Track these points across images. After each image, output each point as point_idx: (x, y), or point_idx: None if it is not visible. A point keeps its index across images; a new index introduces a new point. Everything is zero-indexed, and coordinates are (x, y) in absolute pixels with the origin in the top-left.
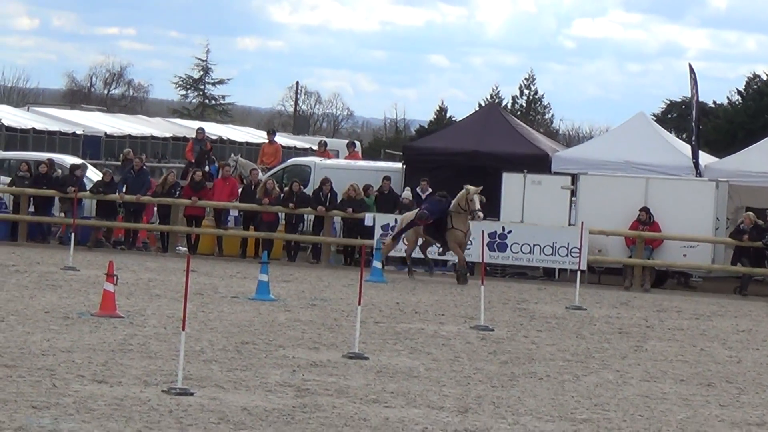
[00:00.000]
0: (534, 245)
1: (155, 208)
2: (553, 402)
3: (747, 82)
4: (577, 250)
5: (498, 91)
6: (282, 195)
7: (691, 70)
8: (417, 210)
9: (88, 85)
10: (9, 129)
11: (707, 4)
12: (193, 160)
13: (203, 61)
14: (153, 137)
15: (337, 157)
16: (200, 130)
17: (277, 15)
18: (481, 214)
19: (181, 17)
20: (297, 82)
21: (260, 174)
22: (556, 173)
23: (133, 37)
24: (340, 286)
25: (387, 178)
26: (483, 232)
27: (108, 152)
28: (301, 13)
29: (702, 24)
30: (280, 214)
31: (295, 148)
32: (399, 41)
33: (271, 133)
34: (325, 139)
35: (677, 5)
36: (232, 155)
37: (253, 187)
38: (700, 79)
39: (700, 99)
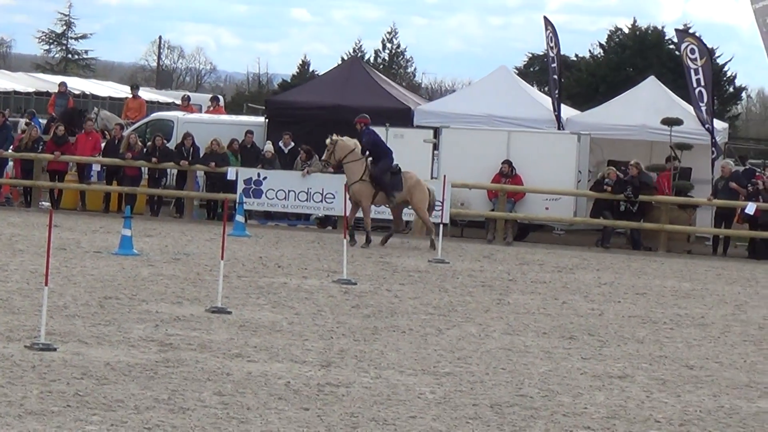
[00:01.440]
0: None
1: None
2: (415, 356)
3: (609, 35)
4: (440, 204)
5: (360, 45)
6: (145, 149)
7: (547, 23)
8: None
9: None
10: None
11: None
12: (55, 115)
13: (66, 15)
14: (16, 92)
15: (200, 111)
16: (62, 84)
17: None
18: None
19: None
20: (160, 37)
21: (124, 129)
22: (418, 127)
23: None
24: (203, 240)
25: (250, 132)
26: (346, 185)
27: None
28: None
29: None
30: (143, 168)
31: (158, 102)
32: None
33: (135, 88)
34: (188, 93)
35: None
36: (95, 109)
37: (116, 141)
38: (561, 33)
39: (562, 52)
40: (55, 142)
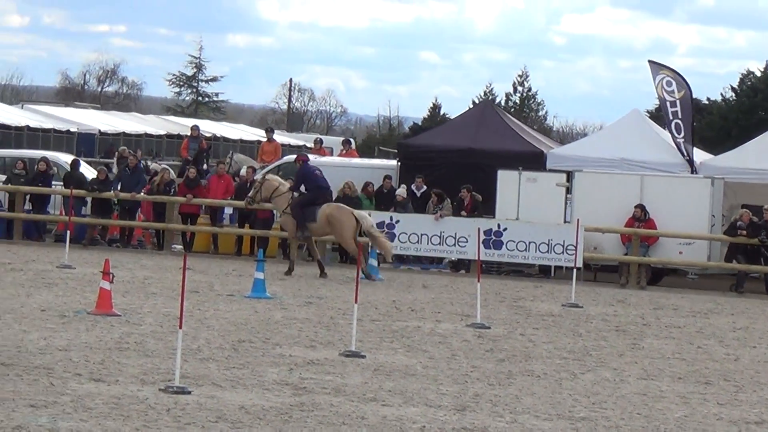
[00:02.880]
0: (530, 242)
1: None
2: (550, 400)
3: (741, 78)
4: (573, 248)
5: (491, 88)
6: None
7: (657, 67)
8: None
9: (82, 82)
10: (3, 126)
11: (694, 1)
12: (189, 158)
13: (196, 58)
14: (147, 135)
15: (332, 154)
16: (195, 128)
17: (267, 12)
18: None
19: (171, 14)
20: (290, 80)
21: (255, 172)
22: (551, 170)
23: (124, 34)
24: (336, 283)
25: (388, 177)
26: (479, 229)
27: (102, 150)
28: (291, 10)
29: (690, 20)
30: (275, 211)
31: (289, 145)
32: (389, 38)
33: (270, 131)
34: (320, 136)
35: (663, 1)
36: (230, 152)
37: (248, 184)
38: (690, 76)
39: (694, 96)
40: (188, 185)
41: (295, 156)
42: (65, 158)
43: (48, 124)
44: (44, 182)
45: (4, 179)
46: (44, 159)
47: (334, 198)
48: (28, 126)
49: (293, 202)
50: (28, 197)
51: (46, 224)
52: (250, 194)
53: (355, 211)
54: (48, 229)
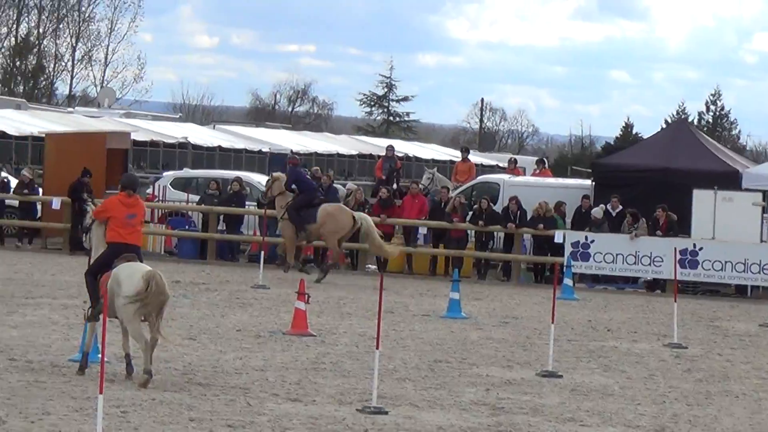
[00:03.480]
0: (725, 262)
1: None
2: (750, 421)
3: None
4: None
5: (684, 107)
6: (471, 212)
7: None
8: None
9: (273, 102)
10: (196, 147)
11: None
12: (383, 178)
13: (387, 78)
14: (339, 155)
15: (524, 174)
16: (390, 148)
17: (456, 31)
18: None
19: (360, 34)
20: (482, 99)
21: (450, 191)
22: (746, 190)
23: (313, 54)
24: (531, 303)
25: (586, 197)
26: (675, 249)
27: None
28: (481, 30)
29: None
30: (469, 231)
31: (481, 165)
32: (579, 57)
33: (465, 151)
34: (514, 156)
35: None
36: (427, 169)
37: (442, 204)
38: None
39: None
40: (381, 206)
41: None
42: (258, 178)
43: (240, 145)
44: (238, 203)
45: (197, 200)
46: (238, 179)
47: (528, 218)
48: (220, 146)
49: (290, 206)
50: (221, 217)
51: (239, 244)
52: (264, 190)
53: (356, 213)
54: (241, 249)
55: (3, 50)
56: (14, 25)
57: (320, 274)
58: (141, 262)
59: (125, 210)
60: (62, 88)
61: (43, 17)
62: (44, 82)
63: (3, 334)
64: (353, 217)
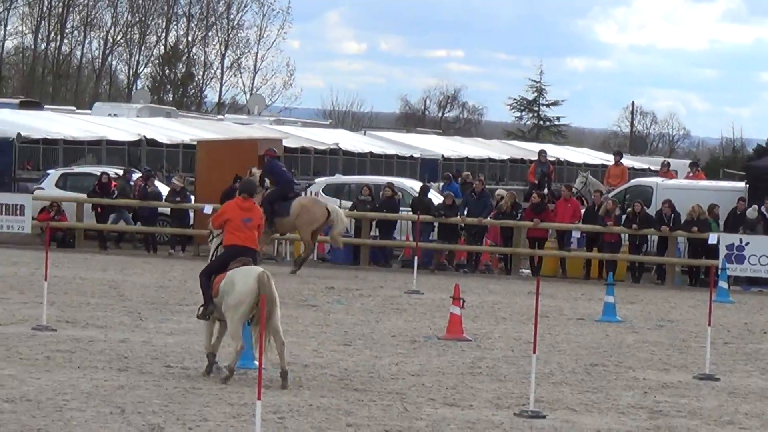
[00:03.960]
0: None
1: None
2: None
3: None
4: None
5: None
6: (625, 216)
7: None
8: None
9: (422, 108)
10: (346, 153)
11: None
12: (536, 182)
13: (537, 82)
14: (490, 159)
15: (677, 177)
16: (542, 152)
17: (605, 35)
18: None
19: (509, 39)
20: (633, 103)
21: (602, 195)
22: None
23: (462, 59)
24: (686, 306)
25: (742, 199)
26: None
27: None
28: (630, 33)
29: None
30: (623, 234)
31: (633, 168)
32: (729, 59)
33: (618, 155)
34: (667, 159)
35: None
36: (580, 173)
37: (596, 209)
38: None
39: None
40: (534, 210)
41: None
42: (410, 184)
43: (391, 150)
44: (390, 208)
45: (350, 206)
46: (390, 185)
47: (682, 221)
48: (371, 152)
49: (264, 198)
50: (374, 223)
51: (392, 250)
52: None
53: (329, 205)
54: (395, 254)
55: (152, 59)
56: (163, 34)
57: (294, 266)
58: (257, 265)
59: (242, 214)
60: (211, 96)
61: (192, 25)
62: (193, 90)
63: (159, 341)
64: (327, 209)
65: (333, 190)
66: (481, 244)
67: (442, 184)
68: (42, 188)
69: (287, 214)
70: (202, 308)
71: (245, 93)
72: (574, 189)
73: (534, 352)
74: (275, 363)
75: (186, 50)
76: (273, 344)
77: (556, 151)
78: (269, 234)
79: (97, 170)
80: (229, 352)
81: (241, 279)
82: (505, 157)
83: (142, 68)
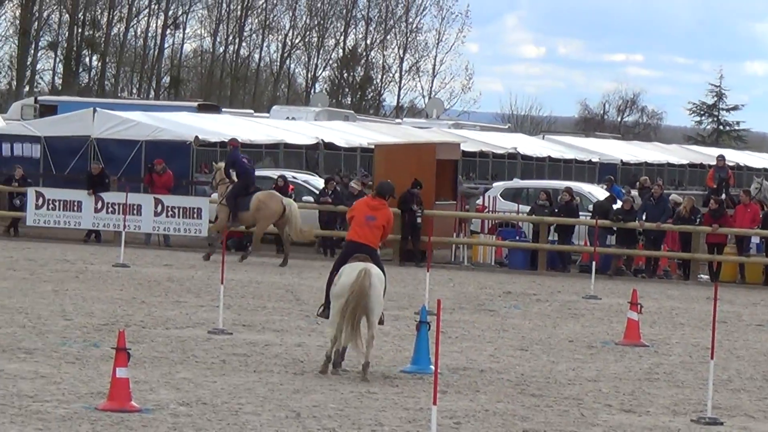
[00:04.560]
0: None
1: None
2: None
3: None
4: None
5: None
6: None
7: None
8: None
9: (601, 112)
10: (525, 157)
11: None
12: (714, 187)
13: (716, 87)
14: (669, 164)
15: None
16: (720, 158)
17: None
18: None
19: (688, 43)
20: None
21: None
22: None
23: (641, 63)
24: None
25: None
26: None
27: (624, 179)
28: None
29: None
30: None
31: None
32: None
33: None
34: None
35: None
36: (756, 178)
37: None
38: None
39: None
40: (712, 215)
41: None
42: (588, 189)
43: (569, 155)
44: (568, 212)
45: (528, 210)
46: (568, 189)
47: None
48: (549, 156)
49: (228, 193)
50: (552, 228)
51: (570, 255)
52: (210, 180)
53: (285, 199)
54: (572, 259)
55: (331, 62)
56: (342, 37)
57: (241, 257)
58: (376, 264)
59: (367, 211)
60: (390, 99)
61: (371, 29)
62: (372, 94)
63: None
64: (282, 204)
65: (511, 195)
66: (660, 249)
67: (603, 186)
68: None
69: (247, 209)
70: (321, 307)
71: (423, 96)
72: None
73: (712, 358)
74: (452, 367)
75: (364, 53)
76: (364, 335)
77: (735, 156)
78: (234, 227)
79: (274, 173)
80: (376, 354)
81: (347, 273)
82: (684, 162)
83: (320, 71)
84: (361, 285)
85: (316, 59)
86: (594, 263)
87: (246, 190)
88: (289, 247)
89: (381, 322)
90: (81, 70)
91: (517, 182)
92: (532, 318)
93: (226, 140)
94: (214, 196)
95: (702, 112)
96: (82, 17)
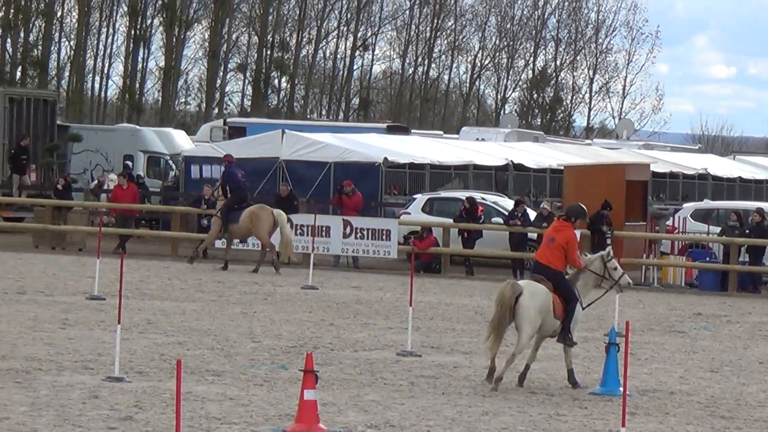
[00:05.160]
0: None
1: None
2: None
3: None
4: None
5: None
6: None
7: None
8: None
9: None
10: (715, 178)
11: None
12: None
13: None
14: None
15: None
16: None
17: None
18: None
19: None
20: None
21: None
22: None
23: None
24: None
25: None
26: None
27: None
28: None
29: None
30: None
31: None
32: None
33: None
34: None
35: None
36: None
37: None
38: None
39: None
40: None
41: None
42: None
43: (760, 175)
44: (760, 233)
45: (718, 231)
46: (759, 210)
47: None
48: (740, 177)
49: (223, 206)
50: (743, 249)
51: (761, 276)
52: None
53: (275, 210)
54: (764, 281)
55: (520, 83)
56: (531, 58)
57: (256, 267)
58: (557, 284)
59: (551, 233)
60: (580, 120)
61: (560, 49)
62: (561, 114)
63: (523, 367)
64: (273, 214)
65: (701, 216)
66: None
67: None
68: (408, 213)
69: (238, 222)
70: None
71: (613, 117)
72: None
73: None
74: (641, 389)
75: (554, 74)
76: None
77: None
78: (228, 239)
79: (462, 195)
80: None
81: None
82: None
83: (509, 92)
84: (502, 296)
85: (505, 80)
86: None
87: (239, 204)
88: (271, 256)
89: (570, 344)
90: (270, 91)
91: (707, 203)
92: (723, 340)
93: (416, 162)
94: (405, 217)
95: None
96: (270, 39)
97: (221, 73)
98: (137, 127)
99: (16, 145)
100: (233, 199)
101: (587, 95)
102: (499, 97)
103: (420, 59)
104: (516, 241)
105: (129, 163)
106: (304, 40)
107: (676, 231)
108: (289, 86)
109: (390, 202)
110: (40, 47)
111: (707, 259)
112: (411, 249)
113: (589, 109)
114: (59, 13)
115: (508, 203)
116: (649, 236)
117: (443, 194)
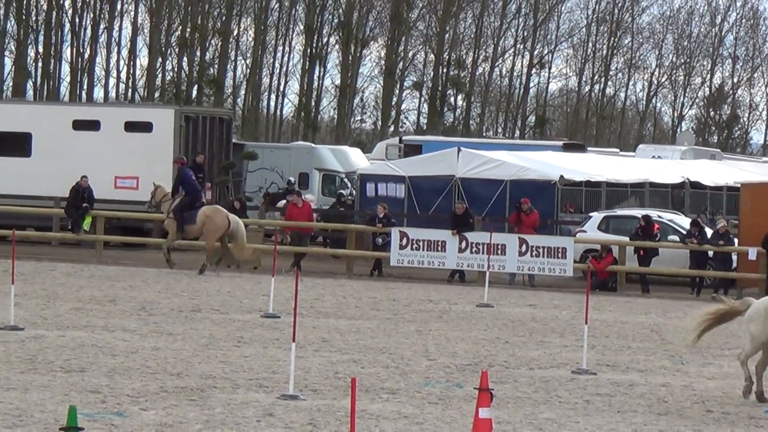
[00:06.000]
0: None
1: None
2: None
3: None
4: None
5: None
6: None
7: None
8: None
9: None
10: None
11: None
12: None
13: None
14: None
15: None
16: None
17: None
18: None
19: None
20: None
21: None
22: None
23: None
24: None
25: None
26: None
27: None
28: None
29: None
30: None
31: None
32: None
33: None
34: None
35: None
36: None
37: None
38: None
39: None
40: None
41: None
42: None
43: None
44: None
45: None
46: None
47: None
48: None
49: (176, 207)
50: None
51: None
52: (149, 200)
53: (230, 215)
54: None
55: (697, 100)
56: (708, 75)
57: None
58: None
59: None
60: (757, 138)
61: (738, 66)
62: (738, 132)
63: (699, 385)
64: (228, 218)
65: None
66: None
67: None
68: (584, 231)
69: (194, 222)
70: None
71: None
72: None
73: None
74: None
75: (731, 91)
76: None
77: None
78: (179, 238)
79: (639, 213)
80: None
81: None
82: None
83: (686, 110)
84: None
85: (682, 97)
86: None
87: (192, 205)
88: (215, 258)
89: None
90: (446, 109)
91: None
92: None
93: (592, 180)
94: (581, 235)
95: None
96: (447, 57)
97: (397, 91)
98: (313, 145)
99: (192, 162)
100: (187, 200)
101: (765, 112)
102: (675, 114)
103: (596, 77)
104: (696, 259)
105: (292, 179)
106: (481, 57)
107: None
108: (465, 104)
109: (566, 220)
110: (216, 66)
111: None
112: (587, 267)
113: (767, 127)
114: (235, 32)
115: (684, 221)
116: None
117: (619, 212)
